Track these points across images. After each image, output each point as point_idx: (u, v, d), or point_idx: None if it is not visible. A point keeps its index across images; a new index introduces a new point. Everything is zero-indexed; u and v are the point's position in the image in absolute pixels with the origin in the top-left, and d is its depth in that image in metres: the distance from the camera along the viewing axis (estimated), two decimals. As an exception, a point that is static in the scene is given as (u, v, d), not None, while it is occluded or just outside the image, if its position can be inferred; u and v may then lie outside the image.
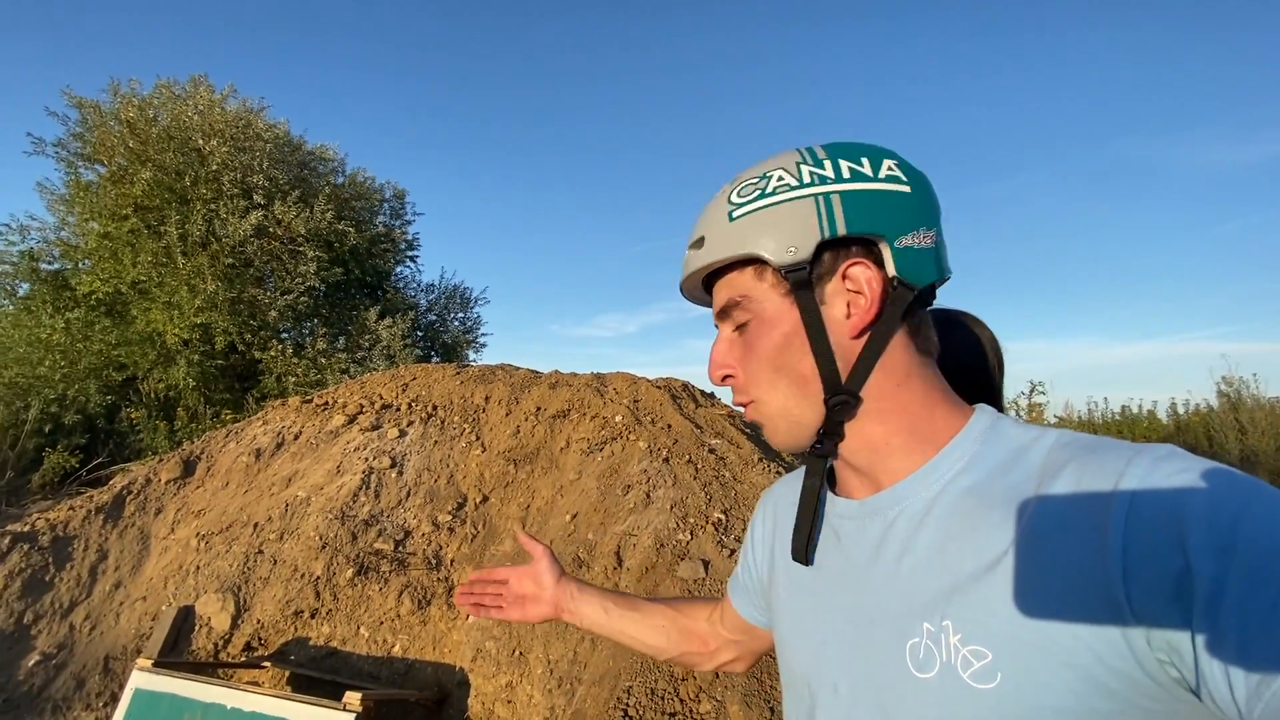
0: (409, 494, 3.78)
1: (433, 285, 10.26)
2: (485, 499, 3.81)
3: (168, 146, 7.08)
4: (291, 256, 7.52)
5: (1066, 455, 0.48)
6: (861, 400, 0.56)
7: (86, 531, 3.50)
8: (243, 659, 3.07)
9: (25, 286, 7.28)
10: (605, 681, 2.31)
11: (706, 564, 2.75)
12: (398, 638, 3.17)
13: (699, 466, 3.48)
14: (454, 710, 2.89)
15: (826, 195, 0.55)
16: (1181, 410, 8.30)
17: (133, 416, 6.78)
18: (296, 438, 4.23)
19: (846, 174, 0.55)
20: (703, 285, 0.66)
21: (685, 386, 4.83)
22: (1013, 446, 0.52)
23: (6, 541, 3.27)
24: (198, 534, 3.55)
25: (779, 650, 0.69)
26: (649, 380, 4.66)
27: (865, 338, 0.56)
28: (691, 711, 2.11)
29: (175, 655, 3.03)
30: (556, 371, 5.01)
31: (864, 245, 0.56)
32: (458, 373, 4.82)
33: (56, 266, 7.44)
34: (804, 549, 0.63)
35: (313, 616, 3.19)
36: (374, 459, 3.92)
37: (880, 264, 0.55)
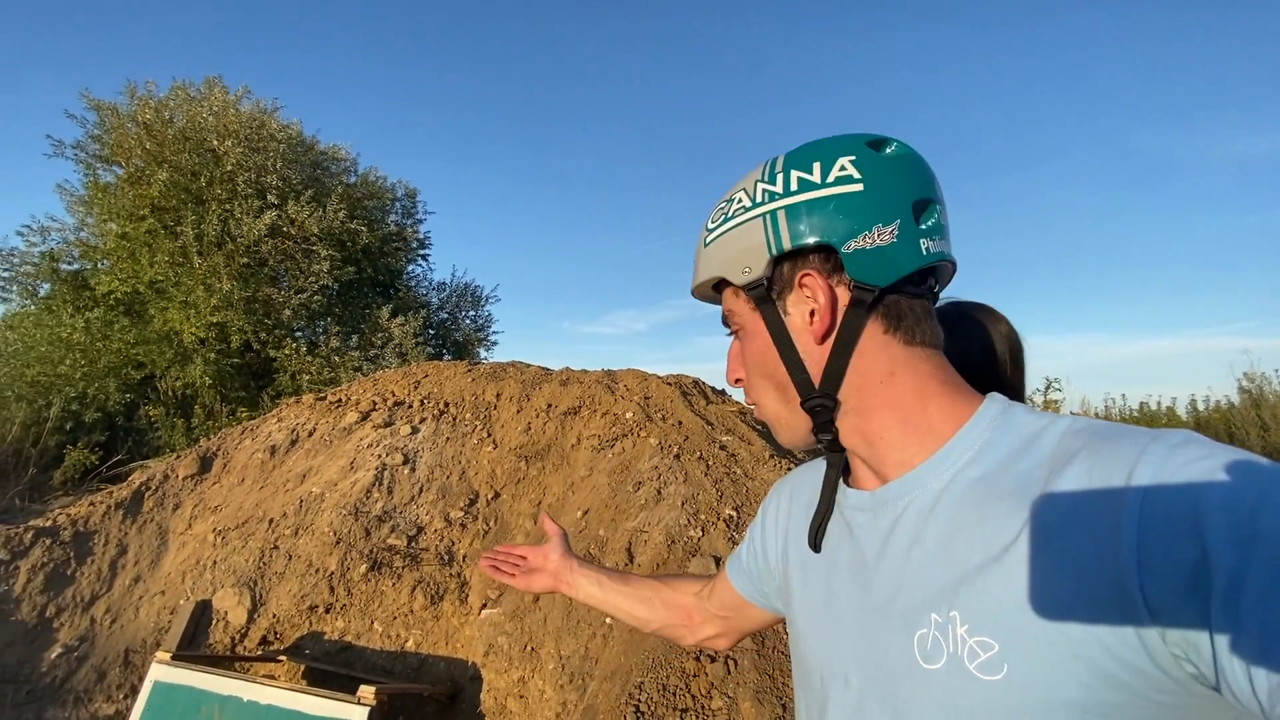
0: (421, 490, 3.81)
1: (444, 284, 10.32)
2: (497, 495, 3.83)
3: (183, 148, 7.17)
4: (305, 256, 7.60)
5: (1079, 442, 0.47)
6: (839, 402, 0.58)
7: (107, 527, 3.56)
8: (259, 652, 3.11)
9: (46, 286, 7.41)
10: (617, 677, 2.31)
11: (718, 560, 2.74)
12: (411, 632, 3.20)
13: (710, 463, 3.47)
14: (467, 705, 2.91)
15: (773, 212, 0.58)
16: (1202, 407, 8.15)
17: (151, 414, 6.88)
18: (311, 435, 4.27)
19: (794, 185, 0.57)
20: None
21: (696, 383, 4.82)
22: (1024, 434, 0.51)
23: (29, 536, 3.34)
24: (214, 529, 3.60)
25: (793, 641, 0.69)
26: (659, 377, 4.65)
27: (830, 342, 0.58)
28: (703, 708, 2.11)
29: (193, 648, 3.07)
30: (567, 369, 5.02)
31: (824, 252, 0.57)
32: (469, 370, 4.84)
33: (76, 267, 7.57)
34: (815, 536, 0.65)
35: (327, 611, 3.23)
36: (387, 455, 3.95)
37: (841, 268, 0.56)
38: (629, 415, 4.00)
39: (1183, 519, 0.39)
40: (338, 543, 3.43)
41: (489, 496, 3.81)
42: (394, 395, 4.58)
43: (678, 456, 3.51)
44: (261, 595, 3.29)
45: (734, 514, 3.06)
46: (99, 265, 7.42)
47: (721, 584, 0.88)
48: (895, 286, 0.56)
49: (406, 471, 3.89)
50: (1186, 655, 0.39)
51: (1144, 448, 0.43)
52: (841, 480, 0.65)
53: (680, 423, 3.93)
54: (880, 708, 0.54)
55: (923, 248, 0.56)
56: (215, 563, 3.43)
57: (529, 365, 5.15)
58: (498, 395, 4.48)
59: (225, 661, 2.97)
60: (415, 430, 4.20)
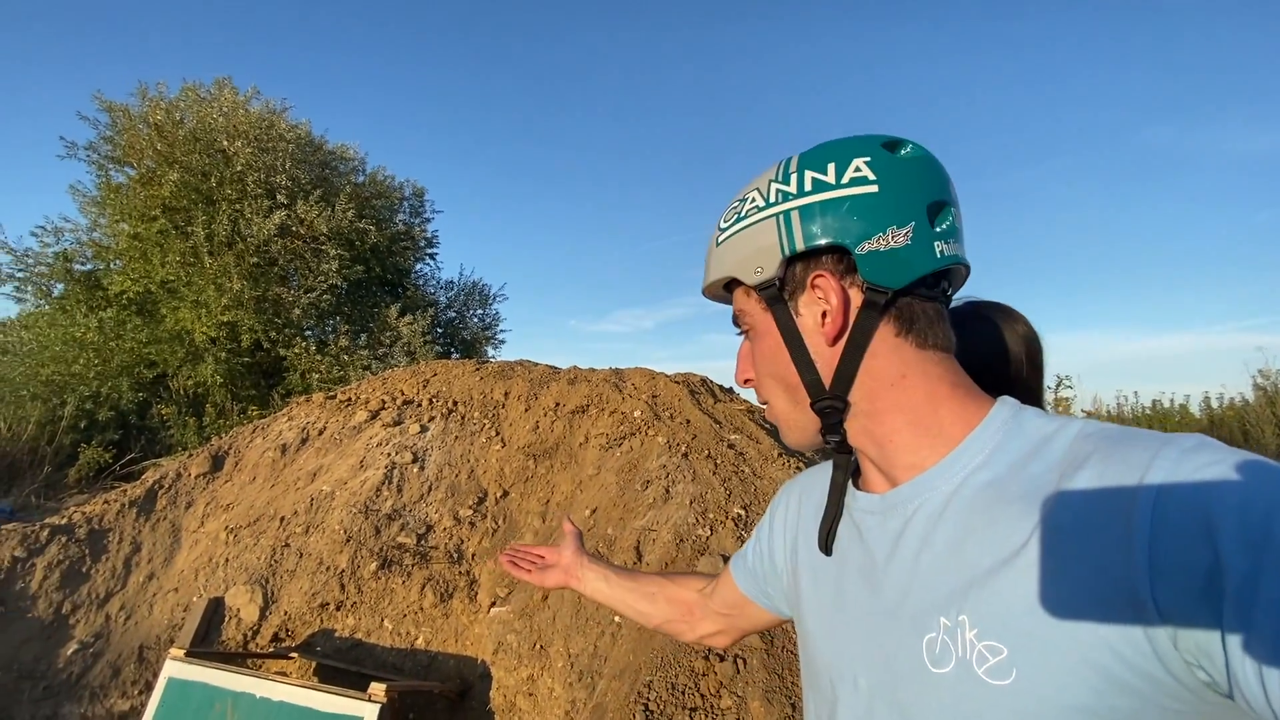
0: (430, 489, 3.83)
1: (452, 282, 10.37)
2: (505, 494, 3.84)
3: (194, 148, 7.23)
4: (314, 255, 7.64)
5: (1090, 446, 0.47)
6: (850, 404, 0.58)
7: (121, 525, 3.60)
8: (271, 649, 3.13)
9: (60, 287, 7.49)
10: (626, 676, 2.32)
11: (726, 559, 2.74)
12: (420, 630, 3.22)
13: (718, 462, 3.46)
14: (476, 702, 2.93)
15: (786, 213, 0.57)
16: (1215, 404, 8.04)
17: (163, 413, 6.96)
18: (321, 433, 4.30)
19: (809, 186, 0.57)
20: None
21: (704, 381, 4.81)
22: (1035, 438, 0.51)
23: (45, 534, 3.38)
24: (226, 527, 3.63)
25: (803, 643, 0.69)
26: (667, 376, 4.65)
27: (841, 344, 0.57)
28: (713, 707, 2.11)
29: (206, 645, 3.11)
30: (575, 367, 5.03)
31: (837, 253, 0.56)
32: (477, 369, 4.86)
33: (89, 267, 7.65)
34: (825, 539, 0.65)
35: (338, 609, 3.25)
36: (396, 454, 3.97)
37: (854, 269, 0.56)
38: (637, 414, 4.00)
39: (1195, 523, 0.39)
40: (348, 541, 3.45)
41: (497, 495, 3.83)
42: (403, 394, 4.60)
43: (686, 455, 3.51)
44: (273, 593, 3.32)
45: (742, 513, 3.05)
46: (111, 265, 7.50)
47: (725, 582, 0.88)
48: (908, 289, 0.56)
49: (416, 470, 3.91)
50: (1199, 662, 0.38)
51: (1156, 452, 0.43)
52: (851, 483, 0.65)
53: (688, 421, 3.93)
54: (889, 711, 0.54)
55: (937, 250, 0.55)
56: (227, 560, 3.46)
57: (537, 364, 5.16)
58: (506, 394, 4.49)
59: (238, 658, 3.00)
60: (424, 429, 4.22)
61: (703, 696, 2.15)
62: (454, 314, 10.09)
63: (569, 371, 4.84)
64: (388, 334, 7.98)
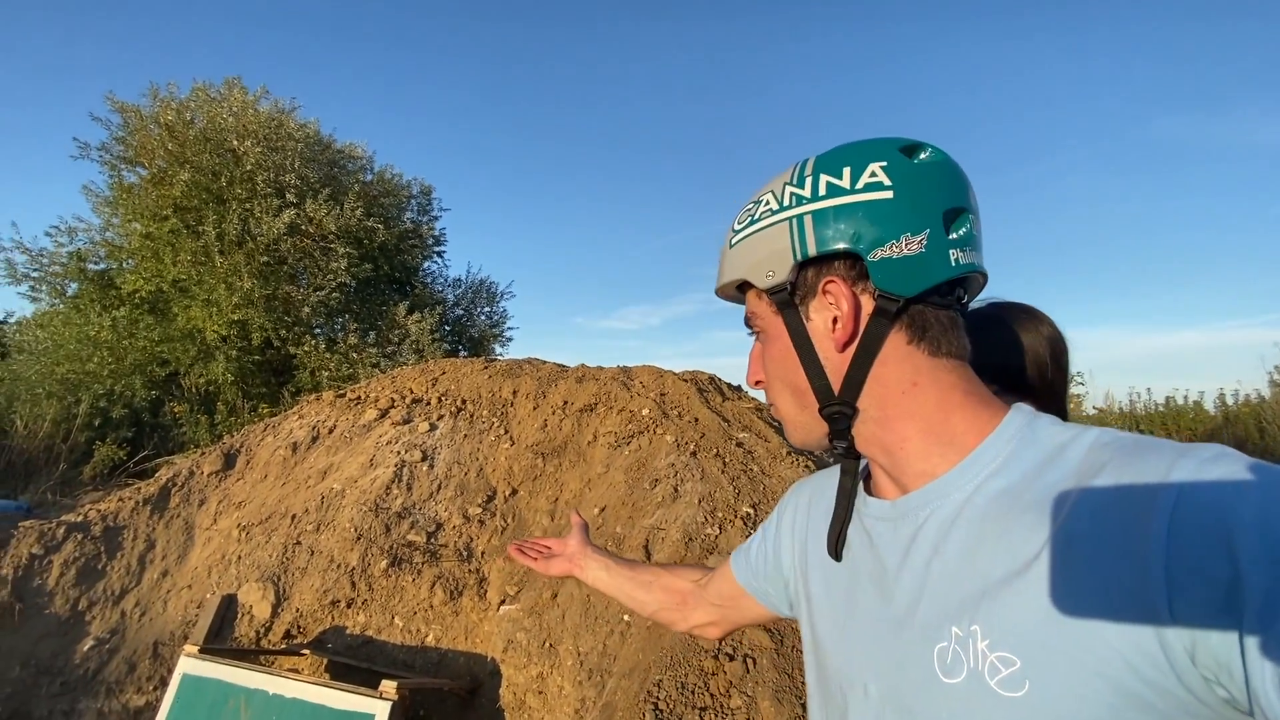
0: (440, 487, 3.85)
1: (459, 280, 10.39)
2: (514, 492, 3.85)
3: (204, 148, 7.27)
4: (323, 253, 7.68)
5: (1105, 455, 0.46)
6: (858, 410, 0.58)
7: (135, 522, 3.65)
8: (283, 646, 3.17)
9: (74, 286, 7.57)
10: (635, 674, 2.32)
11: (735, 558, 2.74)
12: (431, 628, 3.24)
13: (727, 460, 3.46)
14: (486, 700, 2.94)
15: (800, 217, 0.57)
16: (1230, 401, 7.95)
17: (176, 410, 7.03)
18: (331, 431, 4.33)
19: (823, 190, 0.56)
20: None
21: (712, 380, 4.81)
22: (1049, 447, 0.50)
23: (62, 531, 3.43)
24: (239, 525, 3.67)
25: (812, 648, 0.69)
26: (675, 374, 4.65)
27: (851, 350, 0.57)
28: (722, 706, 2.11)
29: (219, 642, 3.14)
30: (583, 365, 5.03)
31: (850, 259, 0.56)
32: (486, 367, 4.87)
33: (102, 266, 7.72)
34: (835, 545, 0.65)
35: (349, 606, 3.28)
36: (406, 452, 3.99)
37: (867, 276, 0.55)
38: (645, 412, 4.00)
39: (1214, 536, 0.38)
40: (359, 538, 3.48)
41: (506, 493, 3.84)
42: (412, 392, 4.62)
43: (694, 454, 3.51)
44: (285, 590, 3.35)
45: (751, 511, 3.05)
46: (124, 265, 7.57)
47: (723, 574, 0.88)
48: (921, 297, 0.55)
49: (425, 468, 3.93)
50: (1217, 678, 0.38)
51: (1173, 462, 0.42)
52: (862, 488, 0.65)
53: (697, 420, 3.92)
54: (899, 719, 0.54)
55: (952, 259, 0.55)
56: (240, 558, 3.49)
57: (545, 362, 5.17)
58: (514, 392, 4.50)
59: (250, 655, 3.03)
60: (433, 427, 4.24)
61: (712, 696, 2.15)
62: (461, 312, 10.11)
63: (577, 370, 4.85)
64: (396, 332, 8.01)
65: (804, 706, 2.07)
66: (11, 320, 9.46)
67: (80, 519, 3.57)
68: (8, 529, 3.37)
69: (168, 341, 7.10)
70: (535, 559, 1.08)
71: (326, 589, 3.30)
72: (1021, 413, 0.55)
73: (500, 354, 10.21)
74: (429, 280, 9.95)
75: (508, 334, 10.46)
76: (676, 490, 3.23)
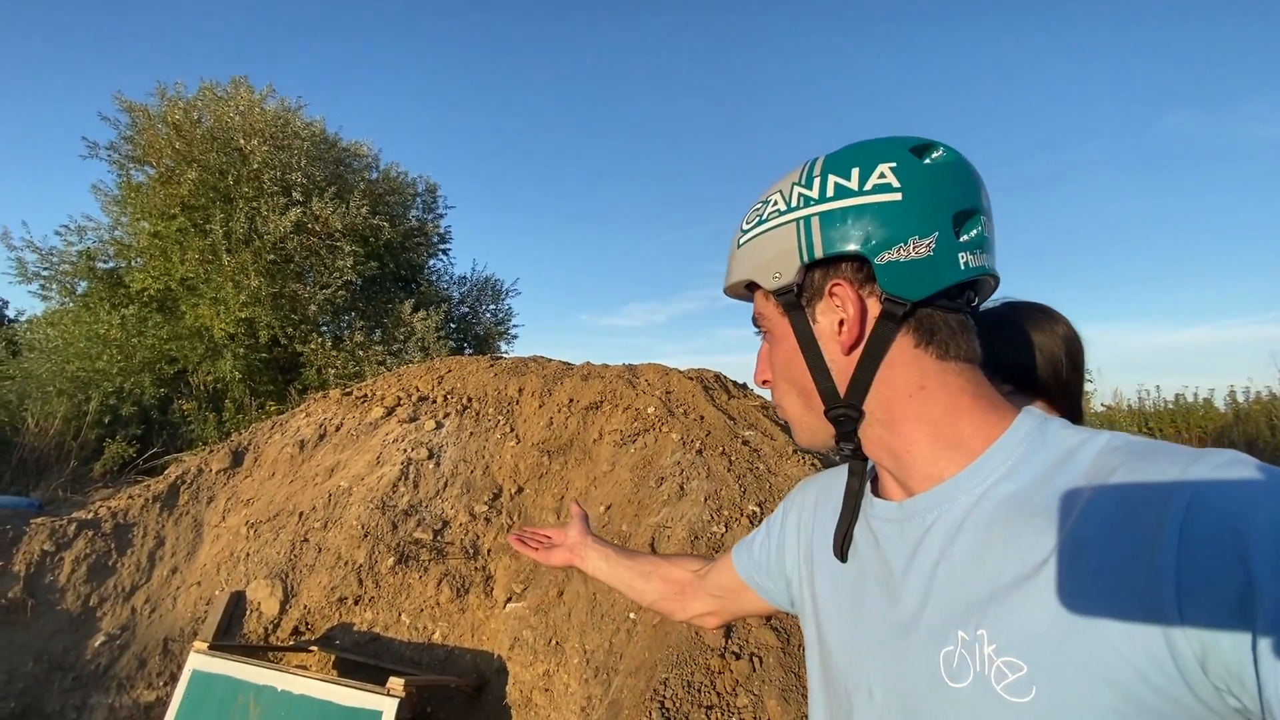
0: (446, 485, 3.86)
1: (465, 278, 10.40)
2: (520, 490, 3.86)
3: (211, 147, 7.30)
4: (329, 252, 7.70)
5: (1117, 460, 0.46)
6: (864, 413, 0.58)
7: (145, 519, 3.68)
8: (291, 643, 3.19)
9: (84, 284, 7.62)
10: (641, 673, 2.32)
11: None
12: (437, 625, 3.25)
13: (733, 459, 3.46)
14: (493, 697, 2.96)
15: (807, 218, 0.56)
16: (1241, 398, 7.87)
17: (184, 408, 7.08)
18: (338, 429, 4.35)
19: (830, 191, 0.56)
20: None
21: (717, 377, 4.80)
22: (1059, 451, 0.50)
23: (73, 528, 3.46)
24: (247, 522, 3.69)
25: (816, 649, 0.68)
26: (681, 372, 4.64)
27: (857, 353, 0.57)
28: (729, 705, 2.11)
29: (228, 638, 3.16)
30: (588, 363, 5.03)
31: (857, 261, 0.55)
32: (491, 365, 4.88)
33: (111, 265, 7.77)
34: (841, 546, 0.65)
35: (356, 603, 3.30)
36: (412, 450, 4.01)
37: (874, 278, 0.55)
38: (650, 410, 4.00)
39: (1227, 543, 0.37)
40: (365, 536, 3.49)
41: (512, 491, 3.85)
42: (418, 390, 4.63)
43: (700, 452, 3.51)
44: (293, 587, 3.37)
45: (757, 510, 3.04)
46: (133, 263, 7.61)
47: (723, 565, 0.88)
48: (929, 300, 0.54)
49: (431, 466, 3.94)
50: (1229, 688, 0.37)
51: (1185, 467, 0.42)
52: (869, 488, 0.65)
53: (702, 418, 3.92)
54: None
55: (961, 262, 0.54)
56: (248, 555, 3.52)
57: (550, 360, 5.17)
58: (520, 390, 4.51)
59: (259, 651, 3.05)
60: (439, 425, 4.25)
61: (719, 694, 2.16)
62: (467, 309, 10.13)
63: (582, 367, 4.85)
64: (402, 329, 8.04)
65: (810, 705, 2.07)
66: (22, 318, 9.56)
67: (91, 516, 3.61)
68: (20, 526, 3.41)
69: (176, 339, 7.14)
70: (536, 549, 1.09)
71: (334, 586, 3.32)
72: (1032, 416, 0.54)
73: (505, 351, 10.23)
74: (434, 278, 9.97)
75: (513, 331, 10.48)
76: (682, 488, 3.23)
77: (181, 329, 7.13)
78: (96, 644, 3.15)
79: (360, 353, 7.58)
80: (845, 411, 0.58)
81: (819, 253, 0.56)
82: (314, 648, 3.14)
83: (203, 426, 6.96)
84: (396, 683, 2.43)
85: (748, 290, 0.66)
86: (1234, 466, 0.40)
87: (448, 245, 10.04)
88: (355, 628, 3.25)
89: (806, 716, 1.97)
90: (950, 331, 0.55)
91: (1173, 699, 0.39)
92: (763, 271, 0.60)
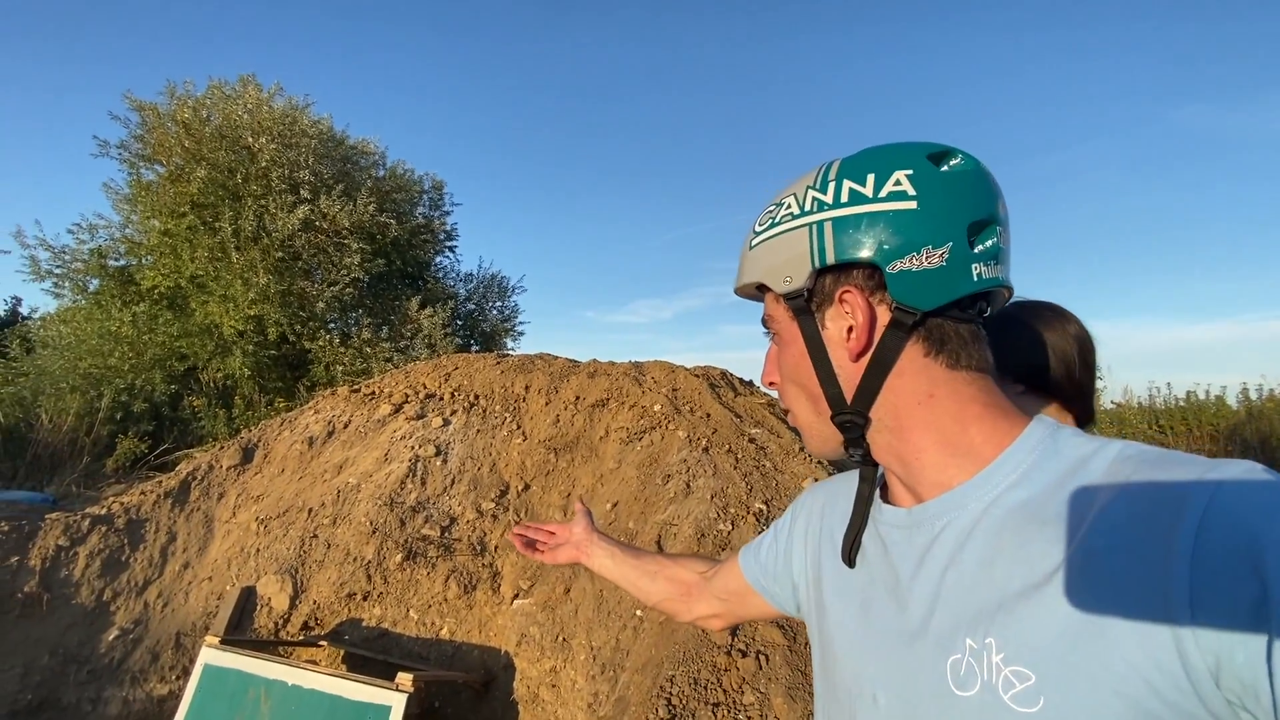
0: (454, 482, 3.88)
1: (471, 275, 10.43)
2: (527, 487, 3.88)
3: (220, 145, 7.35)
4: (337, 249, 7.74)
5: (1129, 469, 0.45)
6: (870, 420, 0.58)
7: (157, 515, 3.72)
8: (301, 638, 3.22)
9: (95, 282, 7.69)
10: (648, 669, 2.34)
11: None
12: (445, 621, 3.28)
13: (739, 456, 3.46)
14: (500, 692, 2.98)
15: (820, 223, 0.56)
16: (1255, 396, 7.78)
17: (194, 404, 7.14)
18: (346, 426, 4.38)
19: (845, 197, 0.55)
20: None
21: (724, 375, 4.80)
22: (1071, 459, 0.49)
23: (87, 524, 3.50)
24: (257, 518, 3.72)
25: (822, 654, 0.68)
26: (687, 369, 4.64)
27: (865, 361, 0.57)
28: (735, 702, 2.12)
29: (239, 633, 3.20)
30: (595, 361, 5.04)
31: (869, 268, 0.55)
32: (498, 362, 4.90)
33: (123, 263, 7.84)
34: (849, 551, 0.64)
35: (365, 599, 3.32)
36: (420, 447, 4.03)
37: (884, 286, 0.55)
38: (657, 408, 4.00)
39: (1241, 555, 0.37)
40: (374, 532, 3.52)
41: (519, 488, 3.87)
42: (425, 387, 4.66)
43: (706, 449, 3.51)
44: (302, 582, 3.40)
45: (764, 508, 3.04)
46: (143, 261, 7.68)
47: (730, 568, 0.88)
48: (940, 310, 0.54)
49: (439, 463, 3.96)
50: (1242, 701, 0.37)
51: (1199, 477, 0.41)
52: (878, 494, 0.64)
53: (708, 415, 3.92)
54: None
55: (974, 273, 0.53)
56: (258, 550, 3.55)
57: (556, 357, 5.18)
58: (526, 387, 4.52)
59: (270, 646, 3.09)
60: (447, 422, 4.27)
61: (725, 691, 2.16)
62: (473, 306, 10.16)
63: (588, 365, 4.86)
64: (409, 326, 8.07)
65: (816, 703, 2.08)
66: (36, 316, 9.66)
67: (104, 511, 3.65)
68: (35, 521, 3.45)
69: (186, 336, 7.21)
70: (542, 550, 1.09)
71: (343, 582, 3.35)
72: (1043, 424, 0.54)
73: (512, 348, 10.26)
74: (441, 275, 10.01)
75: (519, 328, 10.50)
76: (689, 486, 3.24)
77: (191, 326, 7.19)
78: (110, 637, 3.19)
79: (368, 349, 7.63)
80: (851, 418, 0.58)
81: (831, 259, 0.55)
82: (323, 643, 3.17)
83: (213, 423, 7.02)
84: (405, 678, 2.45)
85: (759, 291, 0.66)
86: (1249, 478, 0.40)
87: (454, 242, 10.07)
88: (364, 623, 3.28)
89: (812, 716, 1.97)
90: (961, 341, 0.55)
91: (1184, 712, 0.38)
92: (774, 275, 0.60)
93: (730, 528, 2.90)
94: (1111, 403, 8.56)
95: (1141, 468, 0.45)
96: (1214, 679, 0.37)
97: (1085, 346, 0.99)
